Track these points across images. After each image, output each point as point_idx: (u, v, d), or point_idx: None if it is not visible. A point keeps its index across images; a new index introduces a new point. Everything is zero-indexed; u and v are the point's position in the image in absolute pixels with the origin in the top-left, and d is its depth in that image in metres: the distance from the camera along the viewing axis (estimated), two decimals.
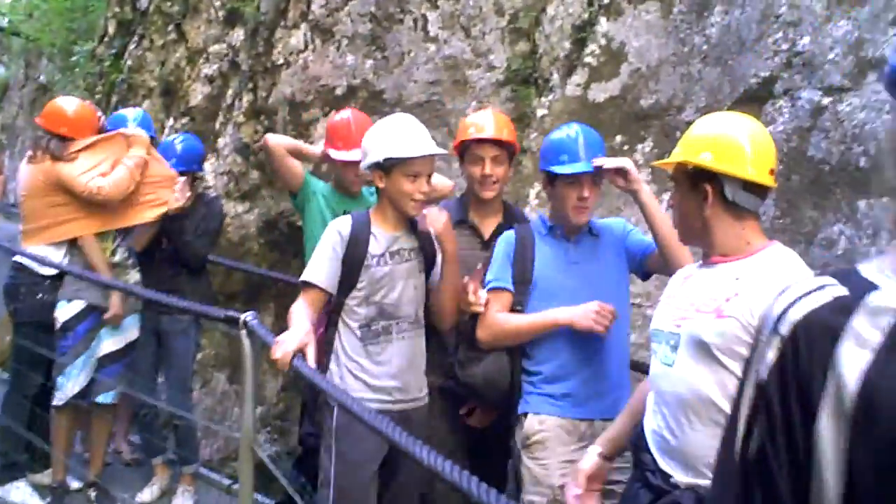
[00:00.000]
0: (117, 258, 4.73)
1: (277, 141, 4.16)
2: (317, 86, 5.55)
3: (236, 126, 6.10)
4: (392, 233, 3.09)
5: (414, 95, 5.13)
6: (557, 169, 2.93)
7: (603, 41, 4.51)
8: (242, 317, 3.07)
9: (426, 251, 3.16)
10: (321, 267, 3.02)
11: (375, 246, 3.04)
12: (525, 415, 2.97)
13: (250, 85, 6.12)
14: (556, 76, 4.71)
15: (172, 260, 4.63)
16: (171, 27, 7.47)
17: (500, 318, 3.00)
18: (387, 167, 2.97)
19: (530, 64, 4.87)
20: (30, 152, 4.62)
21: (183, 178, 4.59)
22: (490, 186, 3.30)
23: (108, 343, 4.62)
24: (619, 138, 4.28)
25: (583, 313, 2.80)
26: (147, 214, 4.58)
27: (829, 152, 3.45)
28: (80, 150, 4.49)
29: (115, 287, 4.50)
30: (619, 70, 4.40)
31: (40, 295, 4.57)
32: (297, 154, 4.10)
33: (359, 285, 3.02)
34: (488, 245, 3.28)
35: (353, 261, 3.00)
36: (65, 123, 4.54)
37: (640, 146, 4.17)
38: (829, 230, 3.37)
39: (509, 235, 3.12)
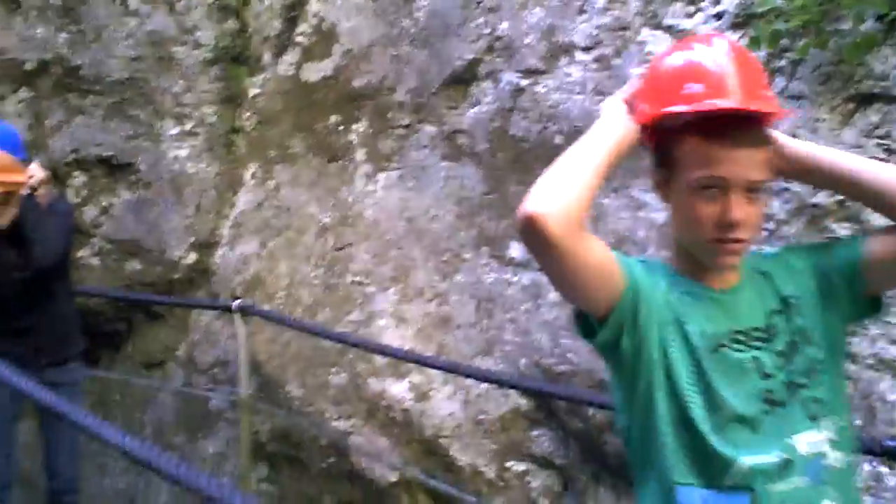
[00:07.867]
0: None
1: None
2: (2, 60, 5.01)
3: None
4: None
5: (115, 72, 4.78)
6: None
7: (314, 21, 4.49)
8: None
9: None
10: None
11: None
12: None
13: None
14: (267, 55, 4.62)
15: (24, 293, 3.40)
16: None
17: None
18: None
19: (240, 42, 4.74)
20: None
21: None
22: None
23: None
24: (333, 118, 4.28)
25: None
26: None
27: (529, 131, 3.66)
28: None
29: None
30: (330, 50, 4.40)
31: None
32: None
33: None
34: None
35: None
36: None
37: (354, 126, 4.20)
38: None
39: None
